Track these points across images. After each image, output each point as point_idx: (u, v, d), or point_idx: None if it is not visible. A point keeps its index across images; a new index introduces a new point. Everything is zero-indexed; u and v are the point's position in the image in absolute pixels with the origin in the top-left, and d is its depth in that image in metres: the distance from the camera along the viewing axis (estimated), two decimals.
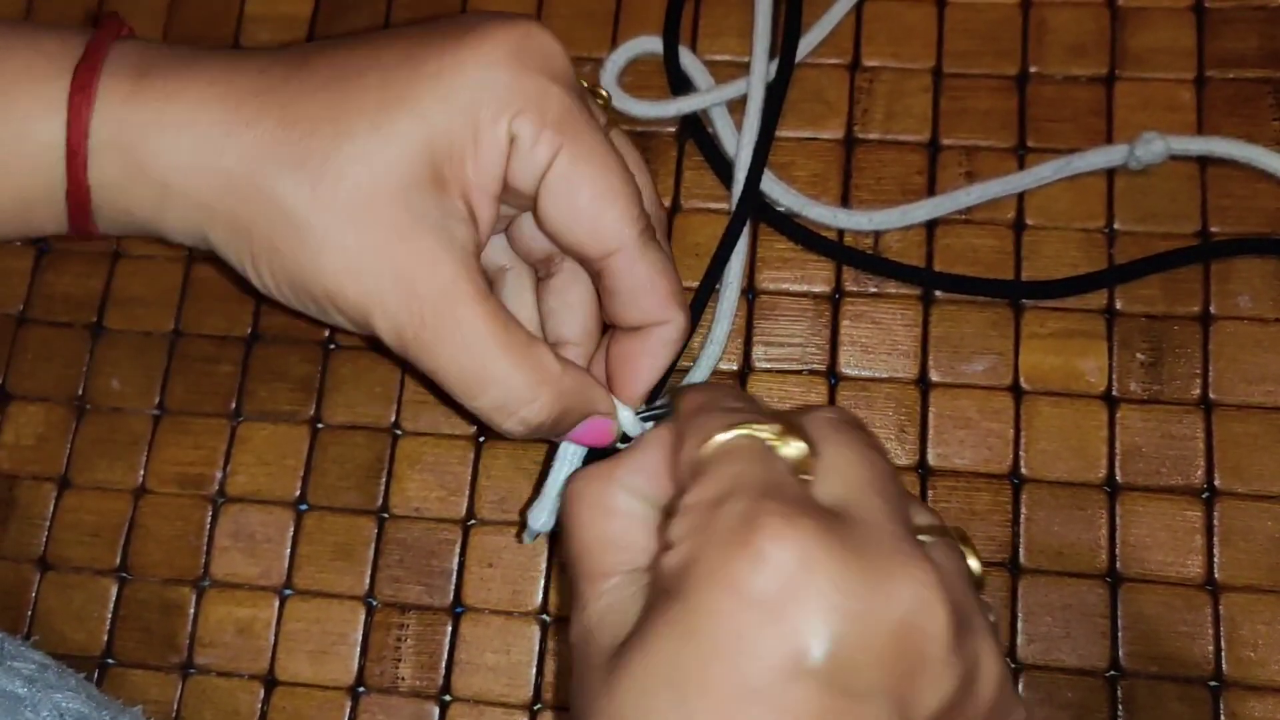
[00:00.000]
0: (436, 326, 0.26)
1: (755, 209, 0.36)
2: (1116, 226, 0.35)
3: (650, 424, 0.30)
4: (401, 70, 0.27)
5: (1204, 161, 0.35)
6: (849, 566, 0.20)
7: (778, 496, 0.21)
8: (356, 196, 0.26)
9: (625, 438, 0.30)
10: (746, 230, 0.36)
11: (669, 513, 0.23)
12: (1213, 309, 0.34)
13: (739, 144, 0.36)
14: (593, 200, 0.27)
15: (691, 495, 0.22)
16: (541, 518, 0.31)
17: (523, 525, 0.34)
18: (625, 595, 0.23)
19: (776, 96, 0.37)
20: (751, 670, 0.20)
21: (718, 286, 0.35)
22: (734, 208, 0.36)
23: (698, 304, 0.35)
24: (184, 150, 0.27)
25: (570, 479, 0.26)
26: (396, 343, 0.27)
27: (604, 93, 0.33)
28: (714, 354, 0.35)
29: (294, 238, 0.26)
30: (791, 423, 0.23)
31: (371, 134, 0.26)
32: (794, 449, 0.23)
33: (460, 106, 0.26)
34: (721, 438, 0.23)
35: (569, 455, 0.31)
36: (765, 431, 0.23)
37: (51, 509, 0.36)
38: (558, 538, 0.34)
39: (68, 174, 0.27)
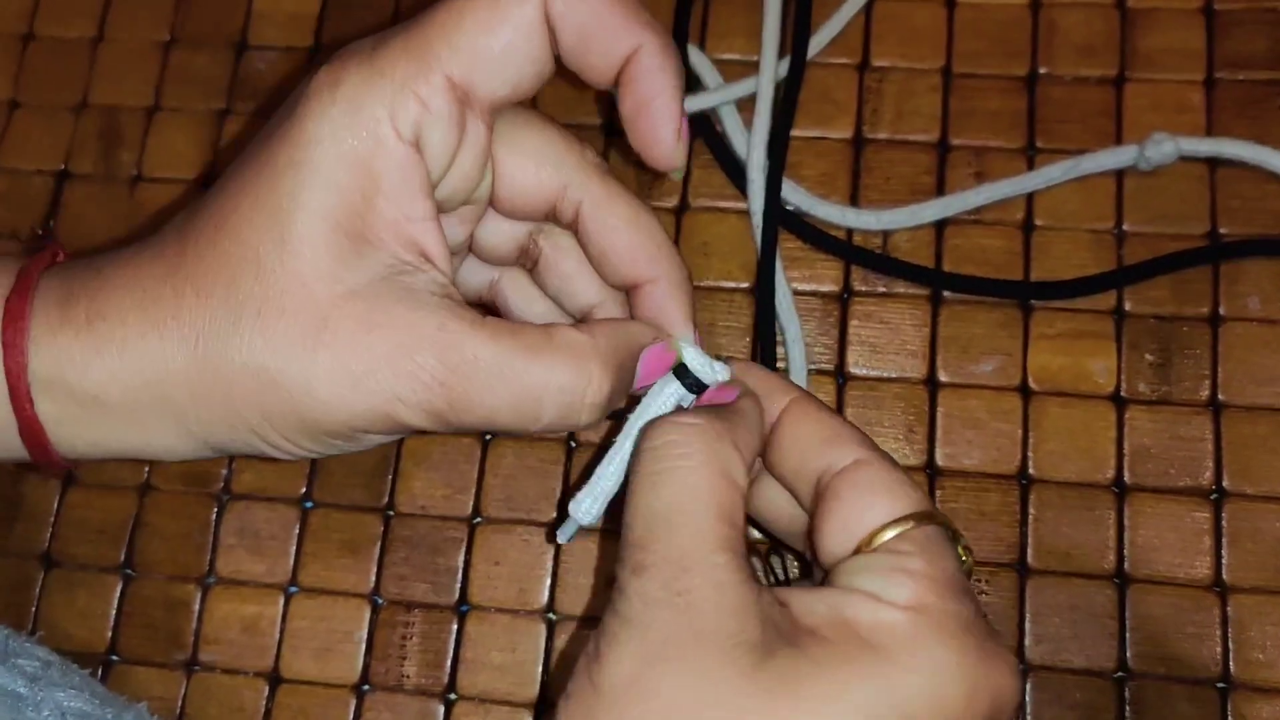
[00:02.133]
0: (457, 381, 0.24)
1: (767, 208, 0.36)
2: (1126, 227, 0.35)
3: (718, 367, 0.27)
4: (266, 173, 0.25)
5: (1213, 163, 0.35)
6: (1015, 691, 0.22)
7: (992, 627, 0.23)
8: (308, 322, 0.24)
9: (693, 385, 0.27)
10: (760, 230, 0.36)
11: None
12: (1222, 310, 0.34)
13: (750, 144, 0.36)
14: (524, 145, 0.26)
15: (924, 566, 0.22)
16: (594, 510, 0.27)
17: (558, 521, 0.33)
18: (737, 579, 0.21)
19: (790, 96, 0.36)
20: None
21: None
22: (760, 219, 0.36)
23: (763, 310, 0.34)
24: (130, 370, 0.25)
25: (678, 421, 0.23)
26: (436, 422, 0.25)
27: None
28: (799, 353, 0.34)
29: (279, 392, 0.25)
30: (961, 536, 0.25)
31: (282, 256, 0.24)
32: (969, 562, 0.24)
33: (329, 162, 0.24)
34: (942, 530, 0.23)
35: (650, 410, 0.27)
36: (961, 539, 0.24)
37: (56, 506, 0.36)
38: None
39: (16, 412, 0.26)
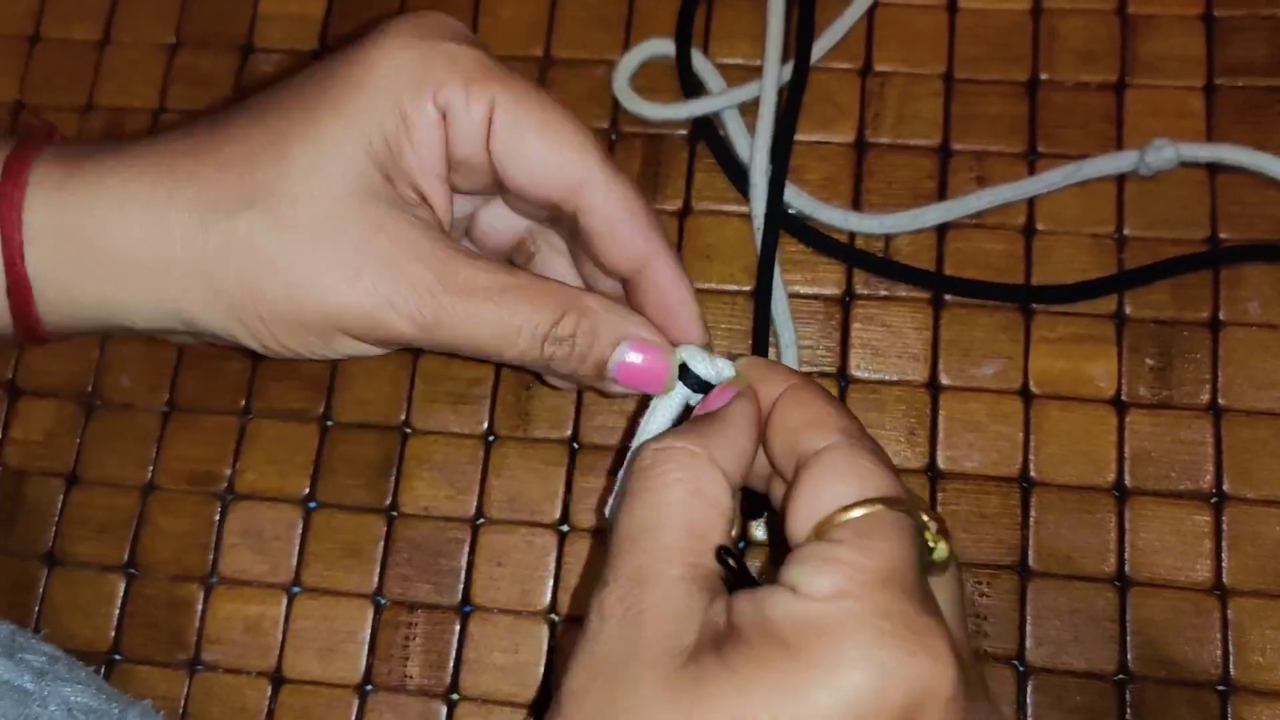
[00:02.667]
0: (448, 297, 0.26)
1: (769, 212, 0.36)
2: (1126, 232, 0.36)
3: (721, 365, 0.27)
4: (318, 90, 0.27)
5: (1213, 168, 0.36)
6: (968, 707, 0.20)
7: (937, 614, 0.21)
8: (317, 212, 0.26)
9: (699, 385, 0.28)
10: (760, 233, 0.36)
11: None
12: (1222, 315, 0.34)
13: (753, 148, 0.36)
14: (544, 136, 0.27)
15: (850, 555, 0.21)
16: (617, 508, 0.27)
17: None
18: (689, 590, 0.22)
19: (794, 100, 0.37)
20: None
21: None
22: (761, 222, 0.36)
23: (760, 314, 0.35)
24: (131, 223, 0.26)
25: (654, 442, 0.24)
26: (419, 332, 0.26)
27: None
28: (792, 358, 0.35)
29: (275, 274, 0.26)
30: (942, 521, 0.23)
31: (310, 152, 0.26)
32: (942, 554, 0.23)
33: (380, 100, 0.26)
34: (895, 514, 0.22)
35: (654, 422, 0.27)
36: (930, 526, 0.23)
37: (60, 505, 0.36)
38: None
39: (4, 265, 0.26)
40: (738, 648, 0.20)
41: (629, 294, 0.29)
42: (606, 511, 0.28)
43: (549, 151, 0.27)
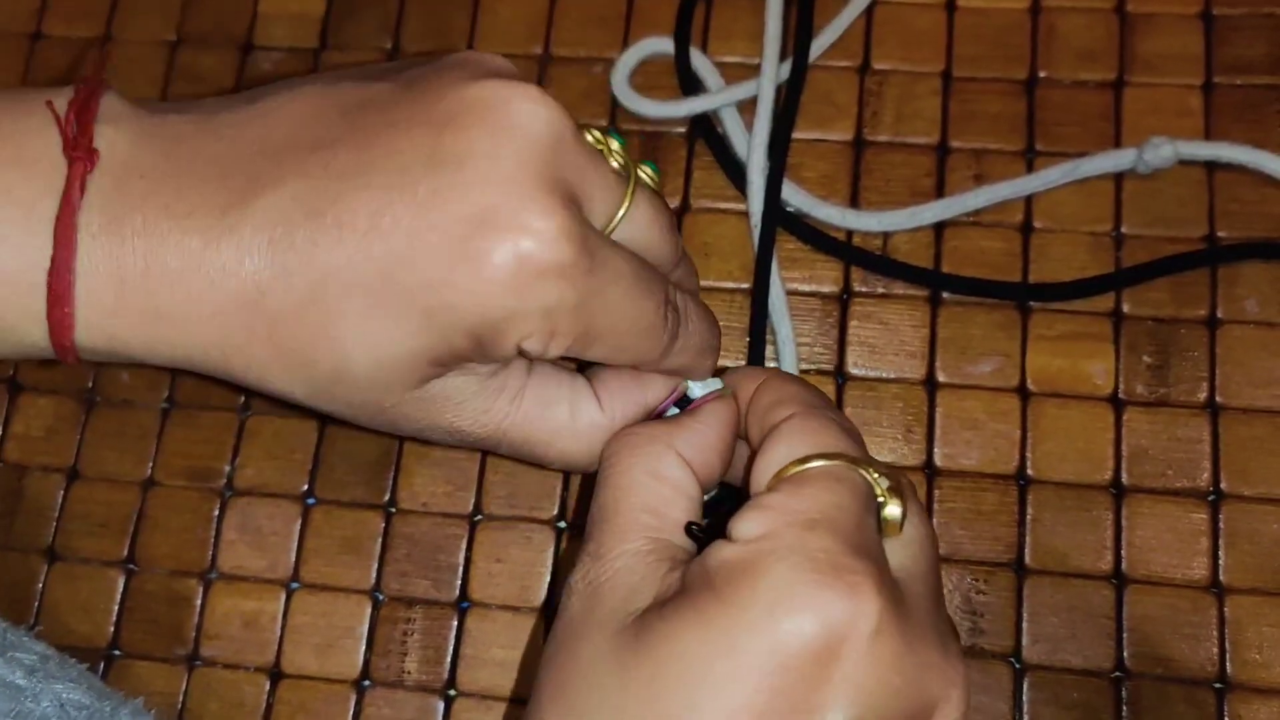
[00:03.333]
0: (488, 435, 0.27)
1: (766, 210, 0.36)
2: (1124, 230, 0.36)
3: (711, 389, 0.28)
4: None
5: (1212, 166, 0.36)
6: (905, 651, 0.20)
7: (871, 557, 0.21)
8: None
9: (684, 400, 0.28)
10: (758, 231, 0.36)
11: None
12: (1219, 313, 0.34)
13: (750, 145, 0.36)
14: (613, 361, 0.26)
15: (781, 499, 0.22)
16: None
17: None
18: (646, 562, 0.23)
19: (792, 99, 0.37)
20: (774, 702, 0.19)
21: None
22: (759, 219, 0.36)
23: (757, 310, 0.35)
24: (201, 289, 0.23)
25: (622, 434, 0.25)
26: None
27: (616, 149, 0.26)
28: (790, 354, 0.35)
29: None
30: (899, 483, 0.23)
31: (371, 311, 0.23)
32: (893, 512, 0.23)
33: (458, 329, 0.23)
34: (835, 465, 0.22)
35: None
36: (880, 482, 0.23)
37: (60, 500, 0.36)
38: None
39: (49, 319, 0.23)
40: (677, 600, 0.21)
41: None
42: None
43: (616, 370, 0.27)
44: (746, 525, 0.21)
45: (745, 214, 0.37)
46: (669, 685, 0.20)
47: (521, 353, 0.24)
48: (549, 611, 0.34)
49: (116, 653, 0.35)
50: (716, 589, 0.20)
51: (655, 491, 0.24)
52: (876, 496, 0.23)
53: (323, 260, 0.22)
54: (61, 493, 0.36)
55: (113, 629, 0.35)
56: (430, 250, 0.22)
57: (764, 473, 0.23)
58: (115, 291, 0.23)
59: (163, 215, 0.23)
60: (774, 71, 0.37)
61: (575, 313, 0.23)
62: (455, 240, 0.22)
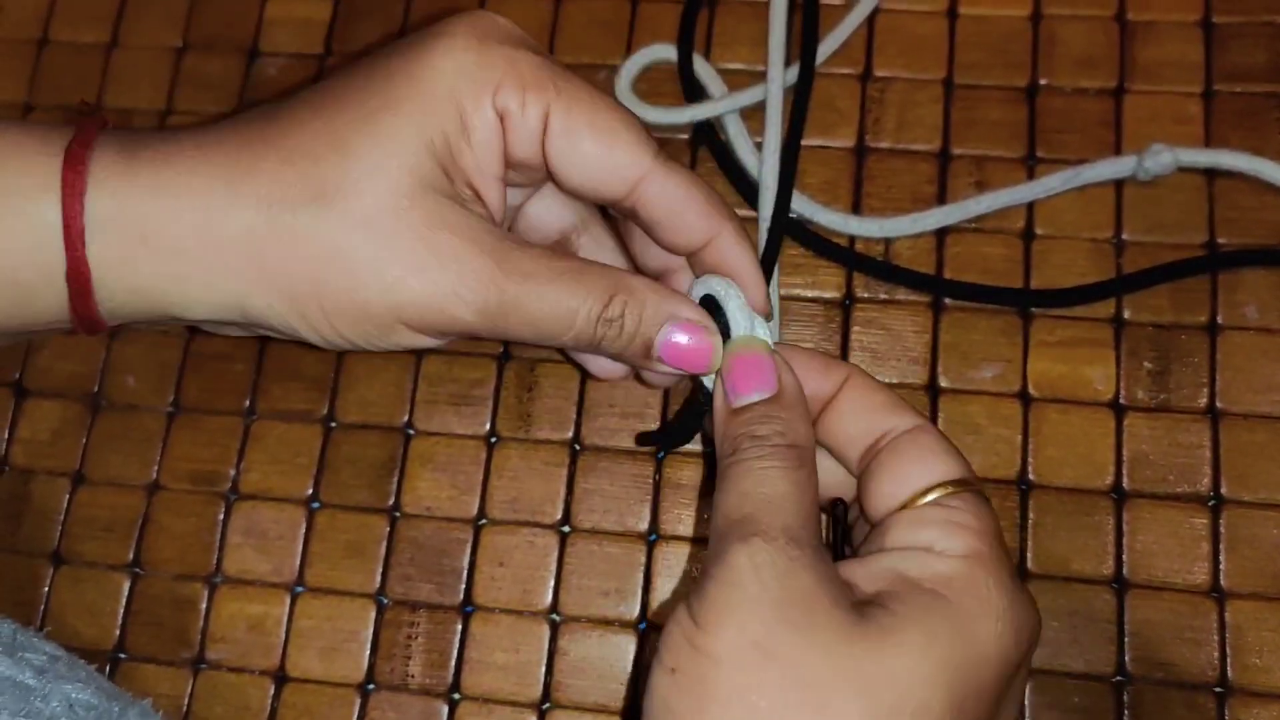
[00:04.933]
0: (511, 285, 0.27)
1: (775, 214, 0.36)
2: (1125, 237, 0.36)
3: (758, 323, 0.28)
4: (377, 85, 0.27)
5: (1211, 174, 0.36)
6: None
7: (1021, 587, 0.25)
8: (381, 206, 0.26)
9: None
10: (764, 235, 0.36)
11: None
12: (1220, 319, 0.35)
13: (765, 151, 0.36)
14: (598, 140, 0.27)
15: (969, 519, 0.25)
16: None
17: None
18: (824, 556, 0.24)
19: (800, 105, 0.37)
20: (997, 688, 0.24)
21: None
22: (768, 223, 0.36)
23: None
24: (194, 215, 0.26)
25: (766, 414, 0.26)
26: (480, 319, 0.27)
27: None
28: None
29: (339, 267, 0.26)
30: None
31: (372, 149, 0.26)
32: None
33: (441, 100, 0.27)
34: (981, 496, 0.26)
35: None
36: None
37: (65, 504, 0.36)
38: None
39: (66, 252, 0.26)
40: (901, 602, 0.24)
41: (693, 264, 0.30)
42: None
43: (603, 154, 0.27)
44: (952, 542, 0.25)
45: (748, 220, 0.37)
46: (910, 675, 0.23)
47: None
48: (553, 616, 0.34)
49: (122, 656, 0.35)
50: (945, 597, 0.24)
51: (815, 488, 0.26)
52: None
53: (320, 176, 0.26)
54: (67, 497, 0.37)
55: (118, 632, 0.35)
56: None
57: (907, 483, 0.26)
58: (129, 236, 0.26)
59: (164, 165, 0.27)
60: (781, 78, 0.37)
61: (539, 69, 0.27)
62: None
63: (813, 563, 0.24)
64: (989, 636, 0.23)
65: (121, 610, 0.35)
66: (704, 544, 0.34)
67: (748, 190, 0.37)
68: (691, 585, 0.25)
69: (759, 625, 0.23)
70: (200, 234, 0.26)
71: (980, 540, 0.25)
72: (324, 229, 0.26)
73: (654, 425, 0.35)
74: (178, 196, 0.26)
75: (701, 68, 0.38)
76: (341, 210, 0.26)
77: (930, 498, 0.25)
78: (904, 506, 0.26)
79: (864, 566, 0.25)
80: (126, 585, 0.36)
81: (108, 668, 0.35)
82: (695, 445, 0.35)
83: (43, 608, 0.36)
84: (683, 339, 0.28)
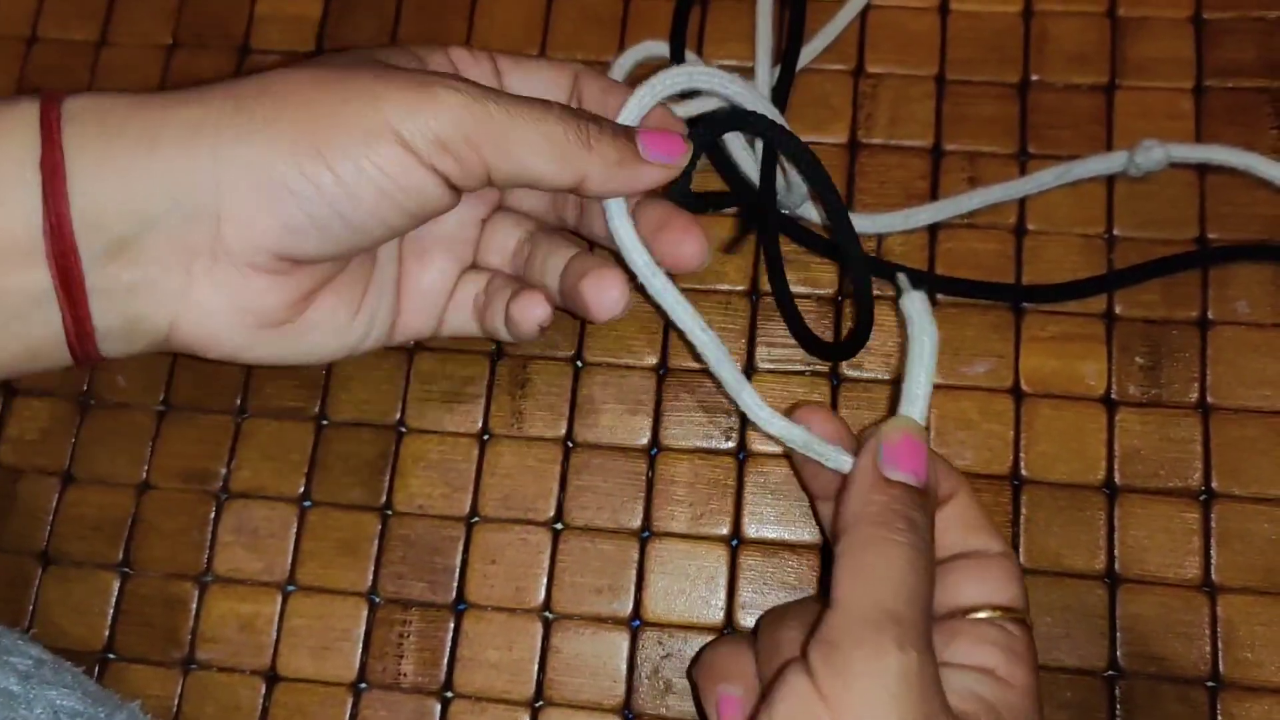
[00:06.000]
0: (492, 102, 0.28)
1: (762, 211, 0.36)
2: (1116, 232, 0.36)
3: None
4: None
5: (1203, 169, 0.36)
6: None
7: None
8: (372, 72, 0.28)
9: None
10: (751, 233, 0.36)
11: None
12: (1211, 314, 0.35)
13: (757, 148, 0.36)
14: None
15: (1022, 646, 0.27)
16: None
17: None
18: (934, 659, 0.26)
19: (778, 103, 0.37)
20: None
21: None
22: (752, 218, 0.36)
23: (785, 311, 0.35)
24: (161, 108, 0.28)
25: (908, 512, 0.27)
26: (465, 124, 0.27)
27: None
28: (715, 349, 0.34)
29: (330, 92, 0.28)
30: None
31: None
32: None
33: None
34: (1022, 621, 0.28)
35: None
36: None
37: (54, 503, 0.36)
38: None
39: (41, 136, 0.27)
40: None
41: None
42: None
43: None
44: (1016, 671, 0.27)
45: (740, 215, 0.37)
46: None
47: None
48: (545, 613, 0.34)
49: (111, 656, 0.35)
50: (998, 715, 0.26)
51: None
52: None
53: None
54: (56, 496, 0.36)
55: (107, 632, 0.35)
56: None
57: (982, 596, 0.28)
58: (105, 131, 0.27)
59: (135, 99, 0.28)
60: (768, 75, 0.37)
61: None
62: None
63: (936, 674, 0.25)
64: None
65: (111, 610, 0.35)
66: (696, 540, 0.34)
67: (740, 187, 0.37)
68: (816, 648, 0.25)
69: (880, 709, 0.24)
70: (172, 117, 0.27)
71: (1032, 675, 0.27)
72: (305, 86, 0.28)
73: (647, 421, 0.35)
74: (145, 103, 0.28)
75: (694, 63, 0.38)
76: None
77: (985, 614, 0.28)
78: (964, 614, 0.28)
79: (947, 679, 0.26)
80: (116, 585, 0.35)
81: (96, 668, 0.34)
82: (692, 442, 0.35)
83: (31, 608, 0.35)
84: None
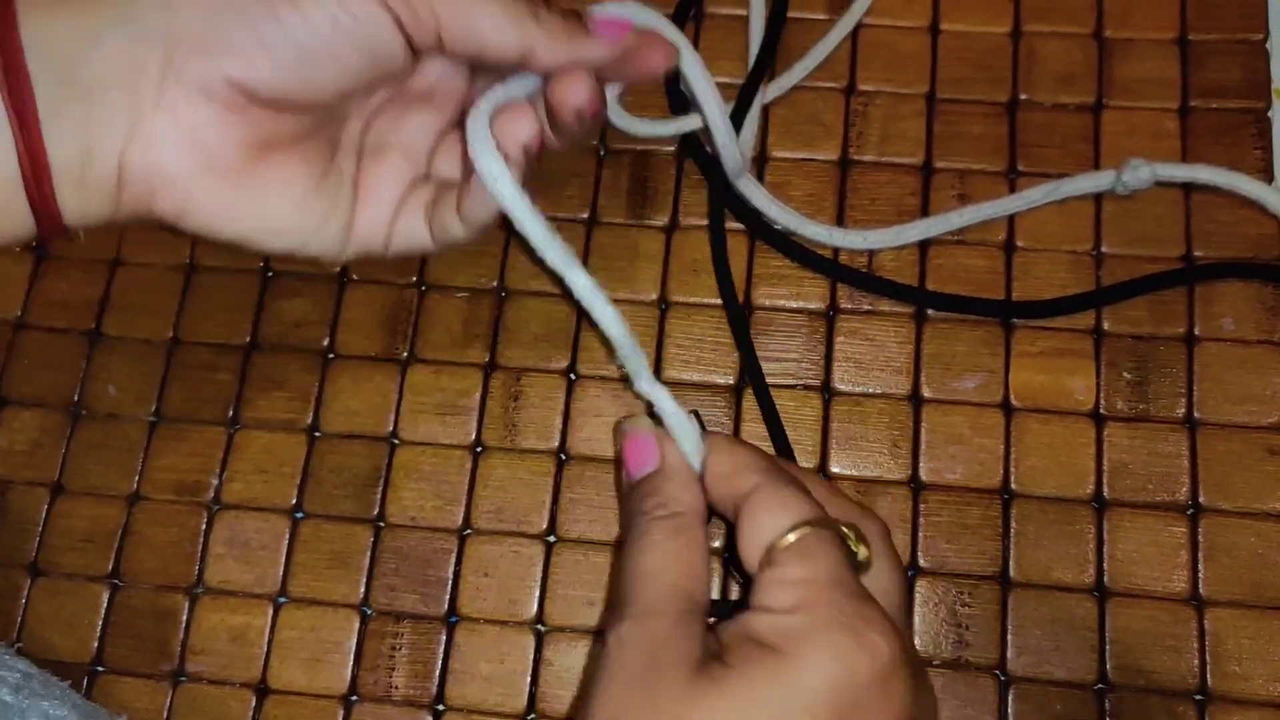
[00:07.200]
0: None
1: (753, 227, 0.37)
2: (1104, 249, 0.36)
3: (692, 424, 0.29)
4: None
5: (1188, 188, 0.36)
6: (916, 672, 0.25)
7: (873, 601, 0.26)
8: None
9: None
10: (744, 246, 0.36)
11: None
12: (1197, 330, 0.35)
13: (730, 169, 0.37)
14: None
15: (798, 571, 0.26)
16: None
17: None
18: (690, 621, 0.26)
19: (738, 116, 0.37)
20: None
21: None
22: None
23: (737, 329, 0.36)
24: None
25: (655, 499, 0.28)
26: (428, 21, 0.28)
27: None
28: (637, 361, 0.31)
29: None
30: (859, 529, 0.28)
31: None
32: (863, 553, 0.27)
33: None
34: (819, 530, 0.26)
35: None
36: (848, 533, 0.27)
37: (44, 515, 0.36)
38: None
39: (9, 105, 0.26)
40: (738, 656, 0.25)
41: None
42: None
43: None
44: (780, 599, 0.25)
45: (735, 232, 0.37)
46: (746, 715, 0.24)
47: None
48: (538, 626, 0.34)
49: (100, 668, 0.34)
50: (777, 650, 0.25)
51: (693, 556, 0.27)
52: (849, 545, 0.27)
53: None
54: (45, 507, 0.36)
55: (96, 645, 0.35)
56: None
57: (755, 545, 0.27)
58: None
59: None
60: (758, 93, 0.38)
61: None
62: None
63: (670, 629, 0.25)
64: (817, 678, 0.24)
65: (100, 622, 0.35)
66: None
67: (734, 203, 0.37)
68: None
69: (617, 697, 0.25)
70: None
71: (806, 590, 0.25)
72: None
73: None
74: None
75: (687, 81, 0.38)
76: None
77: (780, 546, 0.26)
78: (762, 566, 0.27)
79: (728, 626, 0.26)
80: (105, 597, 0.35)
81: (85, 680, 0.34)
82: None
83: (19, 620, 0.35)
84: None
